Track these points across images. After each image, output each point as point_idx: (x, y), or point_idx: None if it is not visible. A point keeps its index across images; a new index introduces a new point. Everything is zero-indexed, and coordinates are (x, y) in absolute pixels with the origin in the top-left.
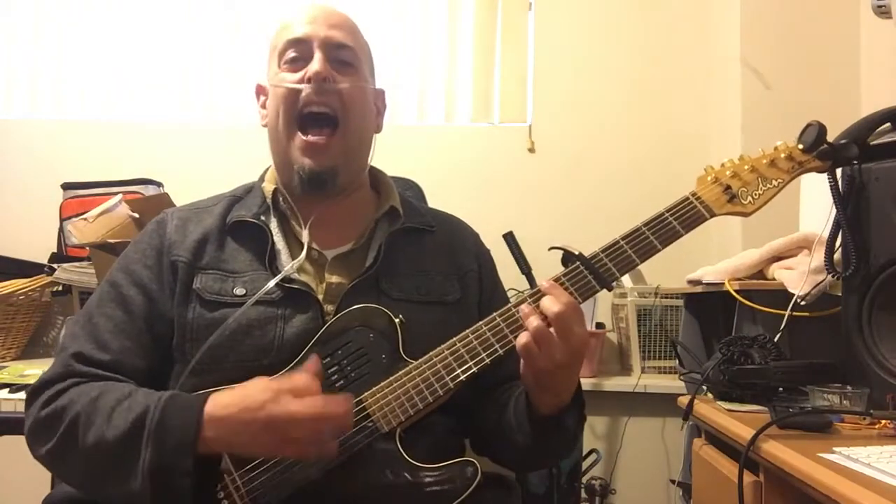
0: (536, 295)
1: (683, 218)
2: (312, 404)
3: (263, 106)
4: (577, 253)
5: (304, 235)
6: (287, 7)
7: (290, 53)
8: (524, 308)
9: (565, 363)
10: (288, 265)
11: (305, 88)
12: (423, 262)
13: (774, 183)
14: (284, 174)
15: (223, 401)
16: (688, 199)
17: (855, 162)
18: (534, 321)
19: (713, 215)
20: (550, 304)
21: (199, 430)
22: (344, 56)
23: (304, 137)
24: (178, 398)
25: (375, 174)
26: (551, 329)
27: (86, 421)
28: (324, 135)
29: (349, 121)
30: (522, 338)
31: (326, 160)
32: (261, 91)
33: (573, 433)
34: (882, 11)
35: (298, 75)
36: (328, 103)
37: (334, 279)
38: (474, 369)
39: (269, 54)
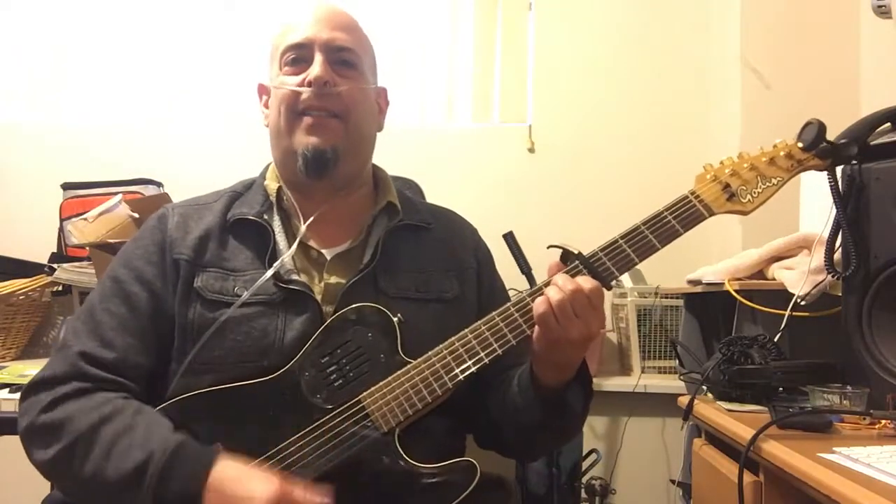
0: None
1: (682, 217)
2: None
3: (266, 106)
4: (575, 251)
5: (301, 230)
6: (288, 7)
7: (291, 55)
8: (559, 277)
9: (577, 340)
10: (286, 262)
11: (306, 92)
12: (420, 259)
13: (774, 181)
14: (287, 167)
15: (230, 473)
16: (687, 197)
17: (854, 161)
18: (555, 294)
19: (712, 214)
20: (584, 282)
21: (202, 494)
22: (345, 57)
23: (308, 119)
24: (183, 453)
25: (374, 171)
26: (570, 305)
27: (84, 449)
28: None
29: (350, 119)
30: (541, 306)
31: (330, 138)
32: (263, 91)
33: (579, 410)
34: (882, 11)
35: (299, 78)
36: (328, 107)
37: (333, 279)
38: (473, 369)
39: (271, 54)
